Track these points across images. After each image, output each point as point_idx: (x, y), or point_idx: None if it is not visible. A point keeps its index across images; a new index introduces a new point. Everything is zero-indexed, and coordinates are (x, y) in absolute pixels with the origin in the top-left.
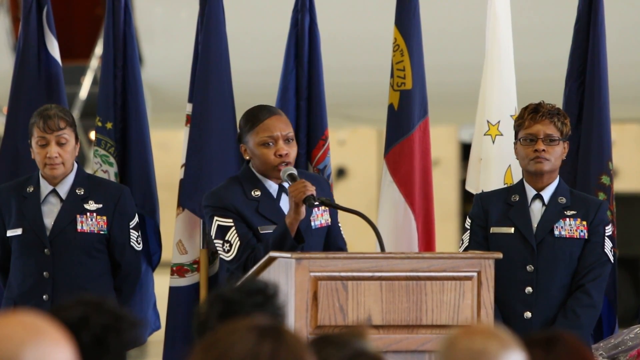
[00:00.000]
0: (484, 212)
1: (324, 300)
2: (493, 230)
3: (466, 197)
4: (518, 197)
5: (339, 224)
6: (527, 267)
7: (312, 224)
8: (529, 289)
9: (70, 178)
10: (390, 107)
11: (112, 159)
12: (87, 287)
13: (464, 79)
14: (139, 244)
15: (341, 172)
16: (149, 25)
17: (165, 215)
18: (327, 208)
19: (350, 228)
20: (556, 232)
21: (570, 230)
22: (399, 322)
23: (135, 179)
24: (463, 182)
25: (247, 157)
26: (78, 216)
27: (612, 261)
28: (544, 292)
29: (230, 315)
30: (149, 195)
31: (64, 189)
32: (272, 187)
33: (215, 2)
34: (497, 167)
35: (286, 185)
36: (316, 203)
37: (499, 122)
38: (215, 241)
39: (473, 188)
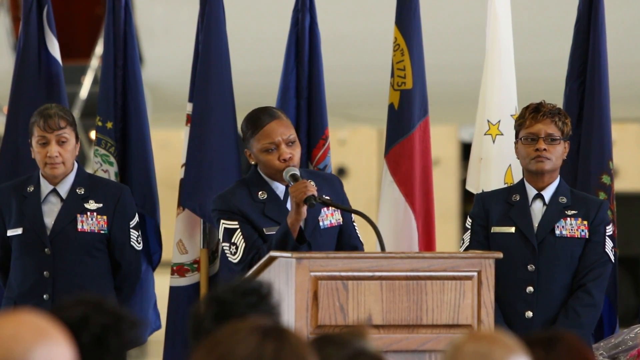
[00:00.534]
0: (484, 212)
1: (324, 300)
2: (494, 229)
3: (466, 197)
4: (519, 197)
5: (354, 223)
6: (528, 266)
7: (321, 223)
8: (530, 289)
9: (71, 177)
10: (391, 106)
11: (112, 159)
12: (87, 286)
13: (464, 79)
14: (139, 243)
15: (341, 172)
16: (150, 25)
17: (165, 214)
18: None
19: None
20: (557, 232)
21: (571, 229)
22: (399, 321)
23: (136, 179)
24: (463, 181)
25: (253, 162)
26: (78, 216)
27: (613, 261)
28: (545, 291)
29: (225, 316)
30: (149, 195)
31: (64, 189)
32: (279, 188)
33: (215, 2)
34: (497, 166)
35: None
36: (317, 203)
37: (499, 121)
38: (223, 244)
39: (473, 188)
